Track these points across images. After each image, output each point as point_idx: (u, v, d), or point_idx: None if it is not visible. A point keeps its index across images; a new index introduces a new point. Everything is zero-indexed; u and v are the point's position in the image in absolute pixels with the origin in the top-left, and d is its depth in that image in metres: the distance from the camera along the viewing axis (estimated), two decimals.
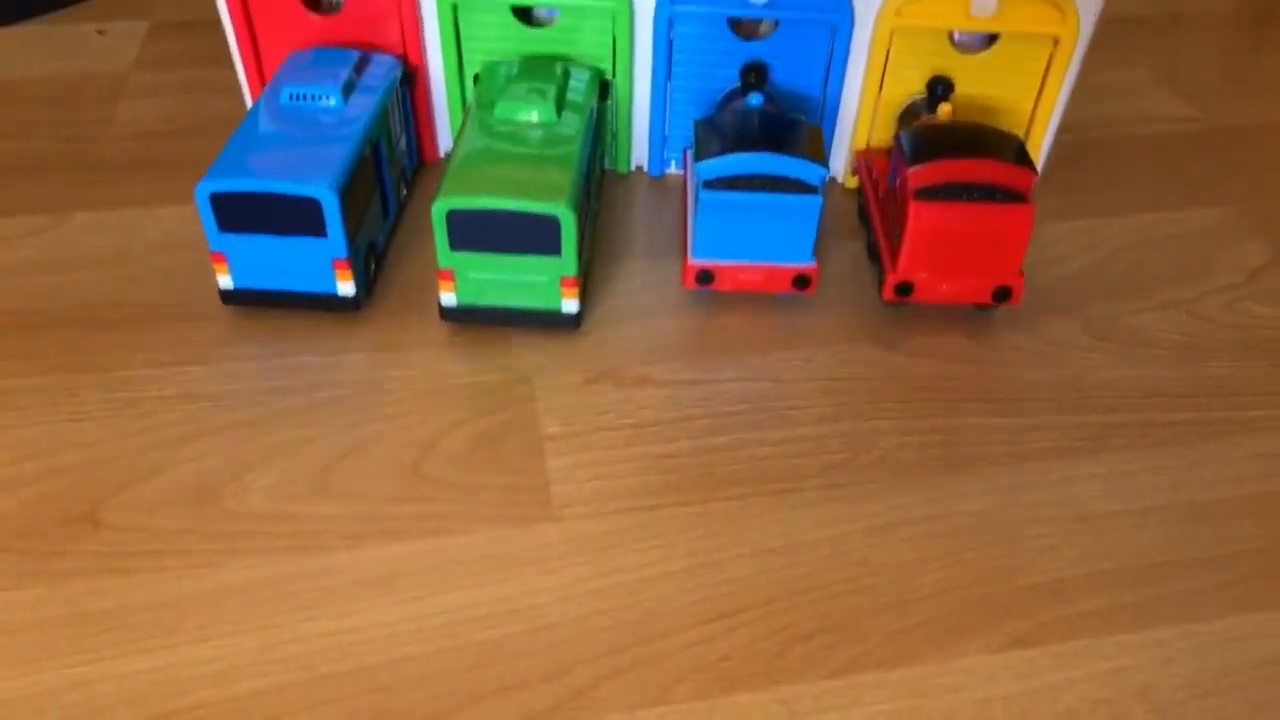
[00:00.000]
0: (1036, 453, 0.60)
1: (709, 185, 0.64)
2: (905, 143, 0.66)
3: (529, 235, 0.61)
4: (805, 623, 0.52)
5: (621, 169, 0.80)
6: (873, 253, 0.71)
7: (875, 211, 0.72)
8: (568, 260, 0.62)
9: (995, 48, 0.73)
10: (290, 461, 0.58)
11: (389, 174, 0.71)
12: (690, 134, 0.78)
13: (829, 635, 0.51)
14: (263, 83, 0.76)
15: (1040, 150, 0.77)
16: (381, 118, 0.69)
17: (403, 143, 0.75)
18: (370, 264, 0.68)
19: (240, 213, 0.62)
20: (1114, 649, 0.51)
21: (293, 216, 0.62)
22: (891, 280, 0.66)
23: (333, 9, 0.75)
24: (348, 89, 0.68)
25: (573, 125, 0.67)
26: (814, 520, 0.56)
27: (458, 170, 0.63)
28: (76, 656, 0.49)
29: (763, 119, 0.67)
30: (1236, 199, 0.82)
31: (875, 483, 0.58)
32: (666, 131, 0.79)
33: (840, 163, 0.80)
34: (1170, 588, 0.54)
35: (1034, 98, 0.75)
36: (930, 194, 0.63)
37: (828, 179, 0.64)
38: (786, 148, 0.64)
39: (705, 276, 0.67)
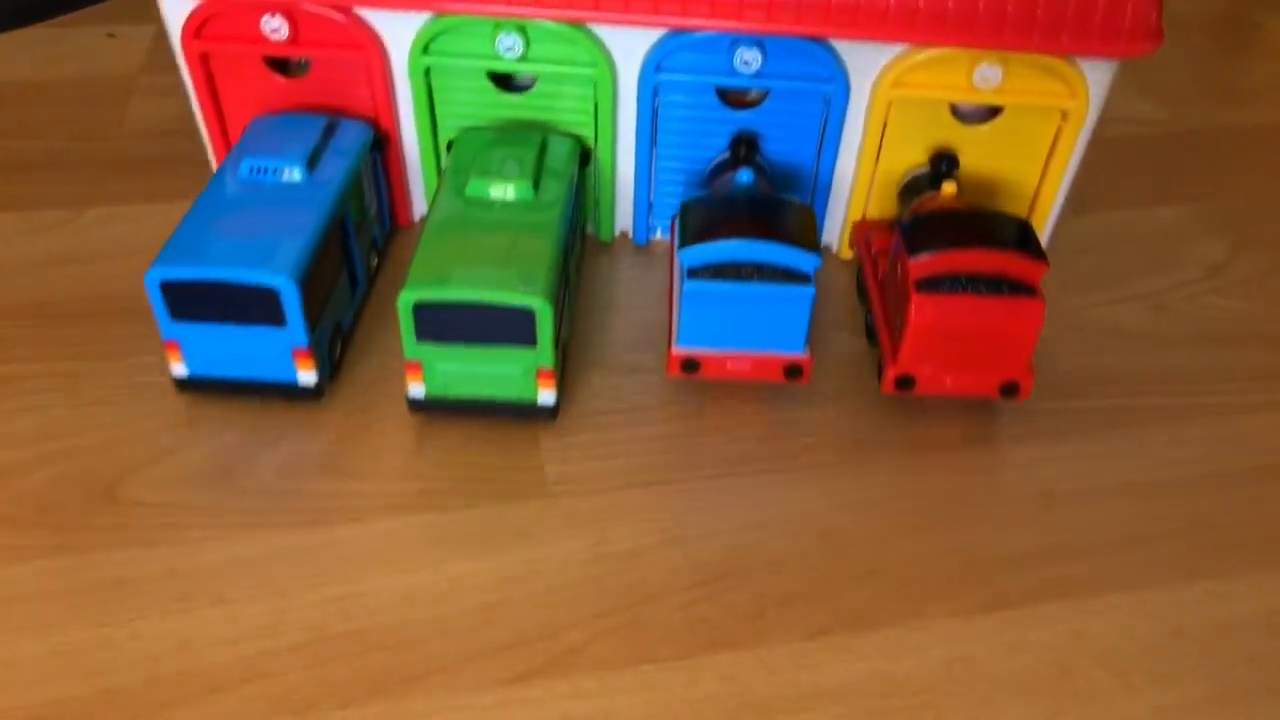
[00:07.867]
0: (1009, 437, 0.63)
1: (693, 274, 0.60)
2: (906, 228, 0.62)
3: (502, 327, 0.58)
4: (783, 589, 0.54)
5: (604, 237, 0.77)
6: (871, 333, 0.68)
7: (874, 291, 0.68)
8: (544, 352, 0.59)
9: (999, 120, 0.69)
10: (300, 443, 0.61)
11: (358, 248, 0.68)
12: (677, 206, 0.74)
13: (805, 601, 0.54)
14: (228, 147, 0.72)
15: (1046, 226, 0.73)
16: (349, 190, 0.66)
17: (374, 210, 0.72)
18: (336, 347, 0.65)
19: (194, 301, 0.59)
20: (1072, 612, 0.54)
21: (250, 305, 0.59)
22: (891, 374, 0.62)
23: (300, 71, 0.71)
24: (313, 161, 0.65)
25: (551, 202, 0.63)
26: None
27: (425, 256, 0.59)
28: (100, 619, 0.52)
29: (752, 201, 0.63)
30: (1202, 197, 0.84)
31: (850, 464, 0.61)
32: (652, 199, 0.75)
33: (835, 233, 0.76)
34: (1128, 558, 0.57)
35: (1040, 172, 0.70)
36: (932, 286, 0.59)
37: (820, 265, 0.59)
38: (777, 233, 0.60)
39: (690, 365, 0.63)
